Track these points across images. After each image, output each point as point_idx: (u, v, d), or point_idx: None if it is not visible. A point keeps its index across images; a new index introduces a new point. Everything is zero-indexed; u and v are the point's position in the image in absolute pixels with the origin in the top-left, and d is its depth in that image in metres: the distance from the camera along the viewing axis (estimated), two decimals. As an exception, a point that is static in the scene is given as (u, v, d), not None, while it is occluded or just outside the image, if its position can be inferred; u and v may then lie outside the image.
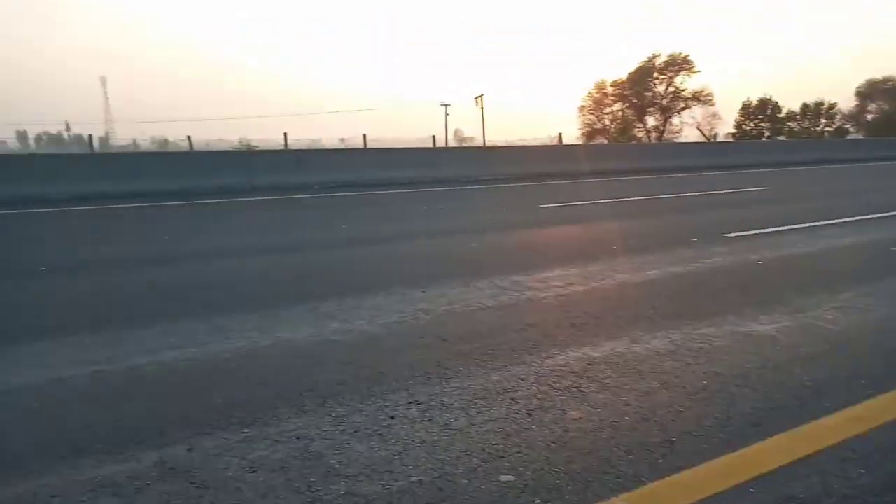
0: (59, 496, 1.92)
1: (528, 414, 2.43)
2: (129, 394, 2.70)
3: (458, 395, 2.63)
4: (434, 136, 22.12)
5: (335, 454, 2.15)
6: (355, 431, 2.32)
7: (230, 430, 2.34)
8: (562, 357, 3.05)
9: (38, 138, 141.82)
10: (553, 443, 2.20)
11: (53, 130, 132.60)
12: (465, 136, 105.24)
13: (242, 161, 12.90)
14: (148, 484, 1.98)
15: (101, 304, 4.22)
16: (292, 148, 21.39)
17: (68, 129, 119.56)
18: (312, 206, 10.31)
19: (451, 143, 56.13)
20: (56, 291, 4.65)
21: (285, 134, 22.50)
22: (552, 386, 2.70)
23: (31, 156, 18.97)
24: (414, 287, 4.46)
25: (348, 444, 2.22)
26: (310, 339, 3.39)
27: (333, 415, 2.45)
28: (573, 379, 2.77)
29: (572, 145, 26.60)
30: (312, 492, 1.93)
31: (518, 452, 2.14)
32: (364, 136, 19.36)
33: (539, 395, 2.60)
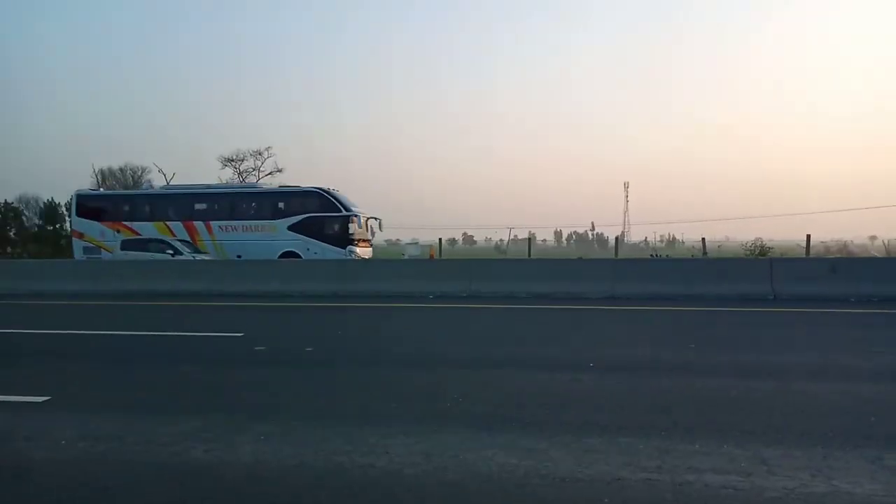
0: None
1: None
2: (682, 511, 2.84)
3: None
4: None
5: None
6: None
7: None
8: None
9: (569, 237, 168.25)
10: None
11: (581, 230, 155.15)
12: None
13: (763, 268, 12.39)
14: None
15: (642, 405, 4.60)
16: (815, 251, 19.53)
17: (593, 228, 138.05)
18: (851, 323, 9.05)
19: None
20: (603, 388, 5.31)
21: (808, 236, 20.71)
22: None
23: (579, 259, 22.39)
24: None
25: None
26: (878, 498, 2.94)
27: None
28: None
29: None
30: None
31: None
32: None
33: None
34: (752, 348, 7.07)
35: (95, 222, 24.83)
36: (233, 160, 40.60)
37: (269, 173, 41.02)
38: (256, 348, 7.34)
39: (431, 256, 20.60)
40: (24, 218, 48.08)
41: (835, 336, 8.00)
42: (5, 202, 47.37)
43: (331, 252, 22.37)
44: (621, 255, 31.97)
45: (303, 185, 25.70)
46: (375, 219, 26.59)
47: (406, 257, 29.07)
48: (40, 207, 48.15)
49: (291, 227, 23.40)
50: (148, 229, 24.06)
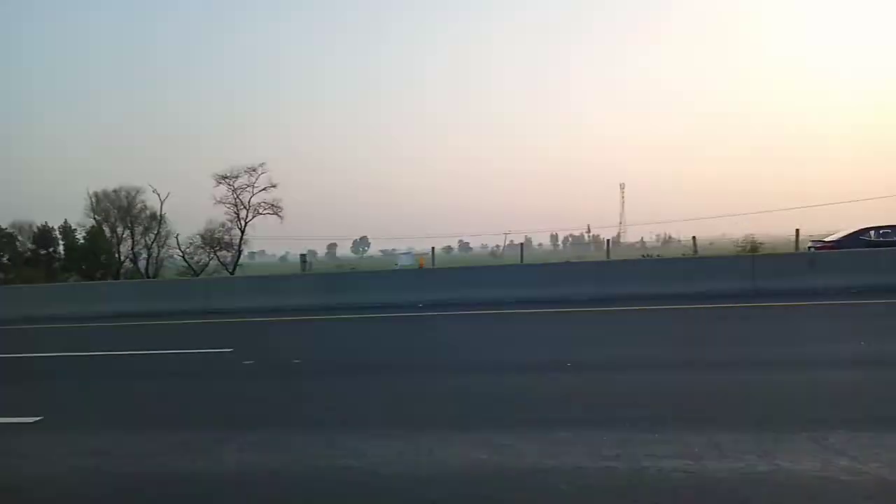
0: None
1: None
2: (634, 494, 3.04)
3: None
4: None
5: None
6: None
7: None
8: None
9: (566, 240, 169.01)
10: None
11: (577, 233, 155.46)
12: None
13: (745, 265, 12.62)
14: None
15: (611, 401, 4.81)
16: (804, 246, 19.70)
17: (588, 231, 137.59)
18: (823, 315, 9.28)
19: None
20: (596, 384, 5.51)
21: (797, 231, 20.88)
22: None
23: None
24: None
25: None
26: (812, 473, 3.15)
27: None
28: None
29: None
30: None
31: None
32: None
33: None
34: (725, 343, 7.30)
35: None
36: (227, 177, 40.59)
37: (264, 188, 40.99)
38: (245, 362, 7.52)
39: (421, 265, 20.81)
40: (17, 243, 48.09)
41: (812, 329, 8.24)
42: (-2, 228, 47.34)
43: None
44: (615, 257, 32.06)
45: None
46: None
47: (398, 267, 29.28)
48: (34, 232, 48.21)
49: None
50: None
